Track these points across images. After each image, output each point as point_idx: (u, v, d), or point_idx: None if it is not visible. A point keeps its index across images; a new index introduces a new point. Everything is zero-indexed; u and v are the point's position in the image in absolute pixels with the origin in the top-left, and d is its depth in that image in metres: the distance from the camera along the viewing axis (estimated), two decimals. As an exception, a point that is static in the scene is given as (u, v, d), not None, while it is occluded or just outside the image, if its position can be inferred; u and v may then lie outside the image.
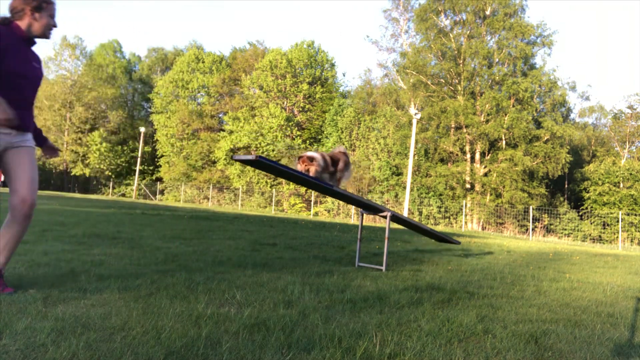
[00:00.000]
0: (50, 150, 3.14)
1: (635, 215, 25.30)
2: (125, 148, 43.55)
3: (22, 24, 2.73)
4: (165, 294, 2.93)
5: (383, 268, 4.91)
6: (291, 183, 33.04)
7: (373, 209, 5.21)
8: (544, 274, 5.71)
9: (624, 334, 2.84)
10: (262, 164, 4.12)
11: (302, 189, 32.07)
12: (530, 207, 23.30)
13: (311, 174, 4.35)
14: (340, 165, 4.66)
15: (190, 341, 2.06)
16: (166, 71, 47.60)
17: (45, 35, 2.82)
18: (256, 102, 35.30)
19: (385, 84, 35.23)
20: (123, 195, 40.93)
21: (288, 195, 31.76)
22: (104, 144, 41.14)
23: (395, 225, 20.97)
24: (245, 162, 4.18)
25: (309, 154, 4.43)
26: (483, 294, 3.87)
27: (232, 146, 34.96)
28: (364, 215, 5.41)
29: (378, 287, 3.81)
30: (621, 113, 36.37)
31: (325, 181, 4.52)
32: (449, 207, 25.95)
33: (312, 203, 29.14)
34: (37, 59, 2.87)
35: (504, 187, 26.05)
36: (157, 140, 42.19)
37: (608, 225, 25.52)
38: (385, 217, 5.07)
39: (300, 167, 4.36)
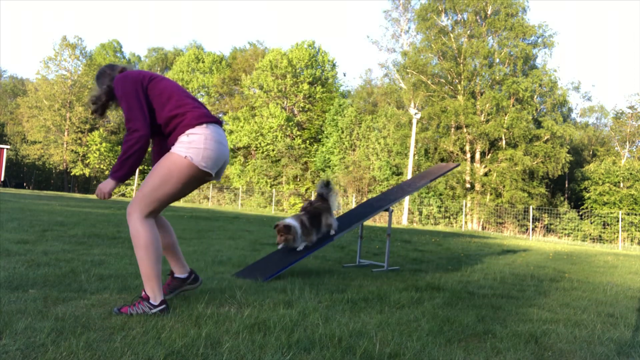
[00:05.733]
0: None
1: (635, 215, 25.28)
2: (125, 148, 43.53)
3: None
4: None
5: (385, 266, 4.92)
6: (291, 183, 33.12)
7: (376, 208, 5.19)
8: (544, 273, 5.71)
9: (624, 333, 2.84)
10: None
11: (303, 189, 32.07)
12: (530, 206, 23.29)
13: (288, 243, 4.10)
14: (325, 217, 4.46)
15: (190, 341, 2.06)
16: (166, 71, 47.59)
17: None
18: (256, 102, 35.28)
19: (385, 83, 35.24)
20: (123, 195, 40.90)
21: (288, 195, 31.76)
22: (104, 144, 41.13)
23: (394, 225, 20.97)
24: None
25: (286, 221, 4.13)
26: (483, 293, 3.87)
27: (232, 146, 34.95)
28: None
29: (378, 286, 3.81)
30: (622, 113, 36.34)
31: (309, 241, 4.24)
32: (449, 207, 25.94)
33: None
34: None
35: (504, 186, 26.04)
36: (157, 140, 42.17)
37: (608, 225, 25.50)
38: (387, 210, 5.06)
39: (278, 239, 4.13)
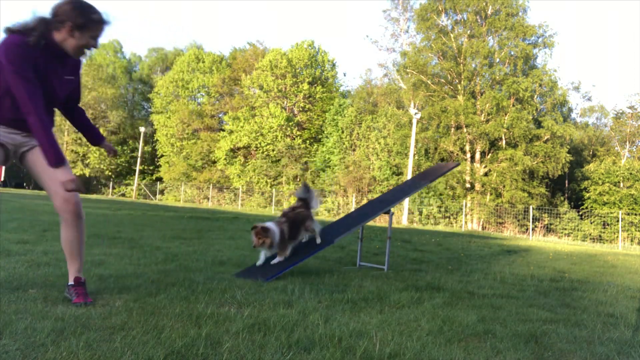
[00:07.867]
0: (109, 149, 3.00)
1: (635, 214, 25.27)
2: (125, 148, 43.51)
3: (57, 35, 2.45)
4: (165, 294, 2.93)
5: (385, 268, 4.91)
6: (291, 183, 33.13)
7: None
8: (544, 273, 5.71)
9: (624, 333, 2.84)
10: None
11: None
12: (531, 206, 23.29)
13: (265, 246, 3.93)
14: (308, 223, 4.33)
15: (190, 341, 2.06)
16: (166, 71, 47.56)
17: (75, 55, 2.58)
18: (256, 102, 35.27)
19: (385, 83, 35.24)
20: (123, 195, 40.91)
21: (288, 195, 31.75)
22: (104, 144, 41.08)
23: (394, 225, 20.95)
24: None
25: (266, 224, 3.97)
26: (483, 293, 3.87)
27: (232, 146, 34.96)
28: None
29: (378, 286, 3.81)
30: (622, 113, 36.32)
31: (283, 256, 4.08)
32: (449, 207, 25.94)
33: (312, 203, 29.08)
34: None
35: (504, 186, 26.05)
36: (157, 140, 42.16)
37: (608, 224, 25.49)
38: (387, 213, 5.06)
39: (255, 242, 3.93)
